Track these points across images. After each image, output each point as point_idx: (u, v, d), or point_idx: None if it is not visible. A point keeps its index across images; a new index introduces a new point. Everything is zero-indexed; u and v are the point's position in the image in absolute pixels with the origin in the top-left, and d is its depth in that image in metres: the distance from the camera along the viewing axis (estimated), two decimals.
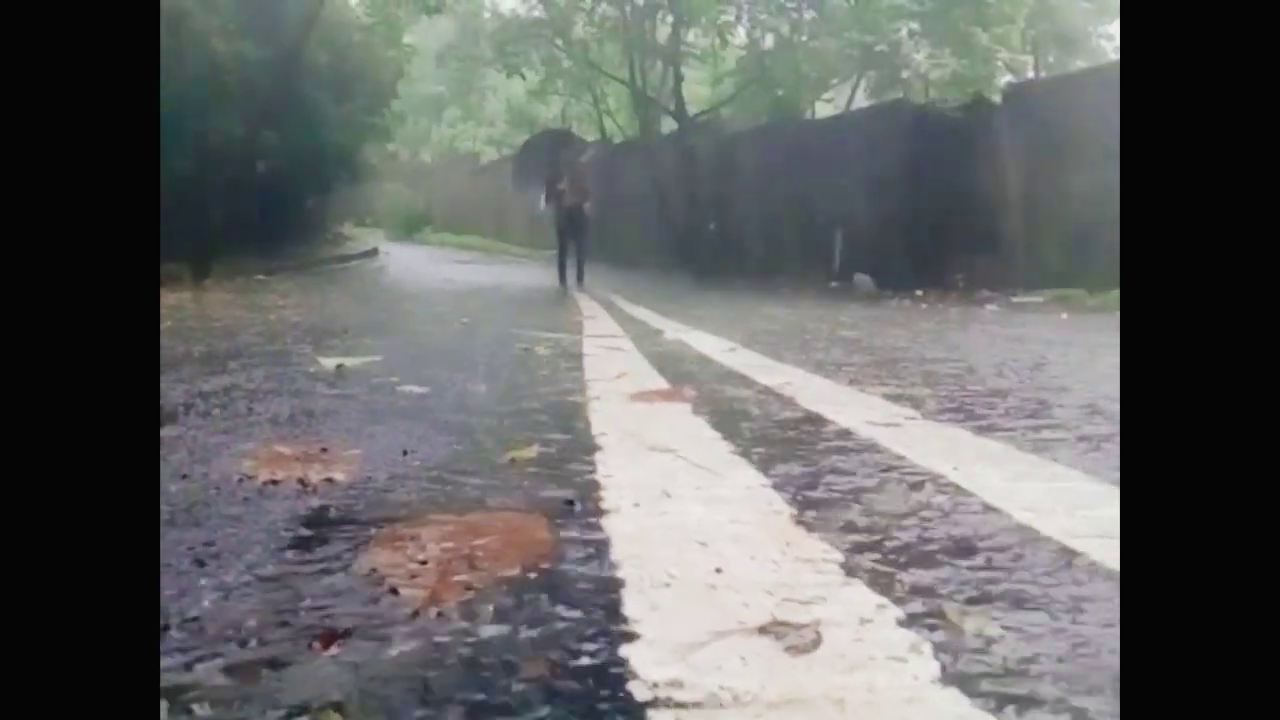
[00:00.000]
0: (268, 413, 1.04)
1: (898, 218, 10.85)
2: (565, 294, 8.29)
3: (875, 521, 0.64)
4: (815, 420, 1.12)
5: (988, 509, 0.68)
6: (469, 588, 0.49)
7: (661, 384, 1.51)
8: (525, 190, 9.05)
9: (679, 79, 12.57)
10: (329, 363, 1.66)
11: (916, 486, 0.74)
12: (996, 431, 1.07)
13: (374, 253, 15.31)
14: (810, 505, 0.67)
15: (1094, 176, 8.87)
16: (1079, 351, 2.31)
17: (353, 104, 12.42)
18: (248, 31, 10.02)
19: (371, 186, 18.02)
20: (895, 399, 1.39)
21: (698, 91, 15.39)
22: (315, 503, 0.66)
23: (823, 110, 12.69)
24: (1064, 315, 6.77)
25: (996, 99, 8.45)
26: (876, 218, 11.20)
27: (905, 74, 9.08)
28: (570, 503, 0.64)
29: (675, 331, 3.13)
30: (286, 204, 12.68)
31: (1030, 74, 11.61)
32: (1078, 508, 0.68)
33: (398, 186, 21.25)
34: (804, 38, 8.21)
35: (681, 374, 1.67)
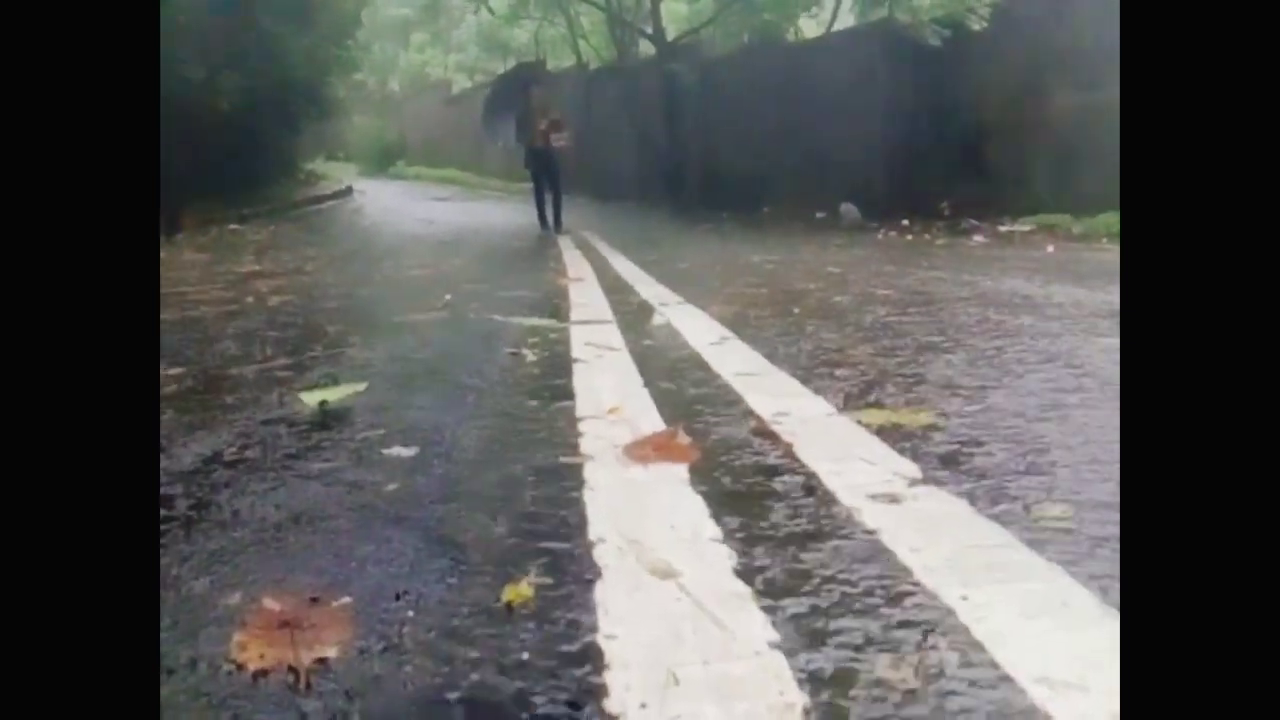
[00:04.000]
0: (254, 518, 1.01)
1: (883, 143, 10.67)
2: (547, 238, 8.18)
3: (889, 710, 0.62)
4: (813, 491, 1.10)
5: (1001, 680, 0.66)
6: None
7: (655, 419, 1.47)
8: (495, 133, 8.75)
9: (656, 1, 12.08)
10: (311, 400, 1.62)
11: (926, 635, 0.72)
12: (1000, 503, 1.06)
13: (348, 191, 14.94)
14: (821, 686, 0.65)
15: (1078, 98, 8.70)
16: (1076, 331, 2.25)
17: (315, 35, 11.91)
18: None
19: (341, 120, 17.43)
20: (893, 435, 1.36)
21: (676, 10, 14.83)
22: (309, 707, 0.63)
23: (807, 26, 12.25)
24: (1050, 248, 6.76)
25: (978, 27, 8.20)
26: (861, 143, 11.02)
27: None
28: (575, 705, 0.61)
29: (662, 307, 3.08)
30: (254, 145, 12.32)
31: None
32: (1089, 670, 0.67)
33: (368, 119, 20.58)
34: None
35: (675, 400, 1.63)
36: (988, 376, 1.82)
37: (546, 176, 8.24)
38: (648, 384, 1.77)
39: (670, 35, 12.64)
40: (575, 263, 5.26)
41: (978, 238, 7.90)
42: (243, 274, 4.83)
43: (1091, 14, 7.87)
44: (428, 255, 6.09)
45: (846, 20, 13.29)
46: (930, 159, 9.56)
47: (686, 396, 1.66)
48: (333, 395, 1.65)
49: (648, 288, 3.79)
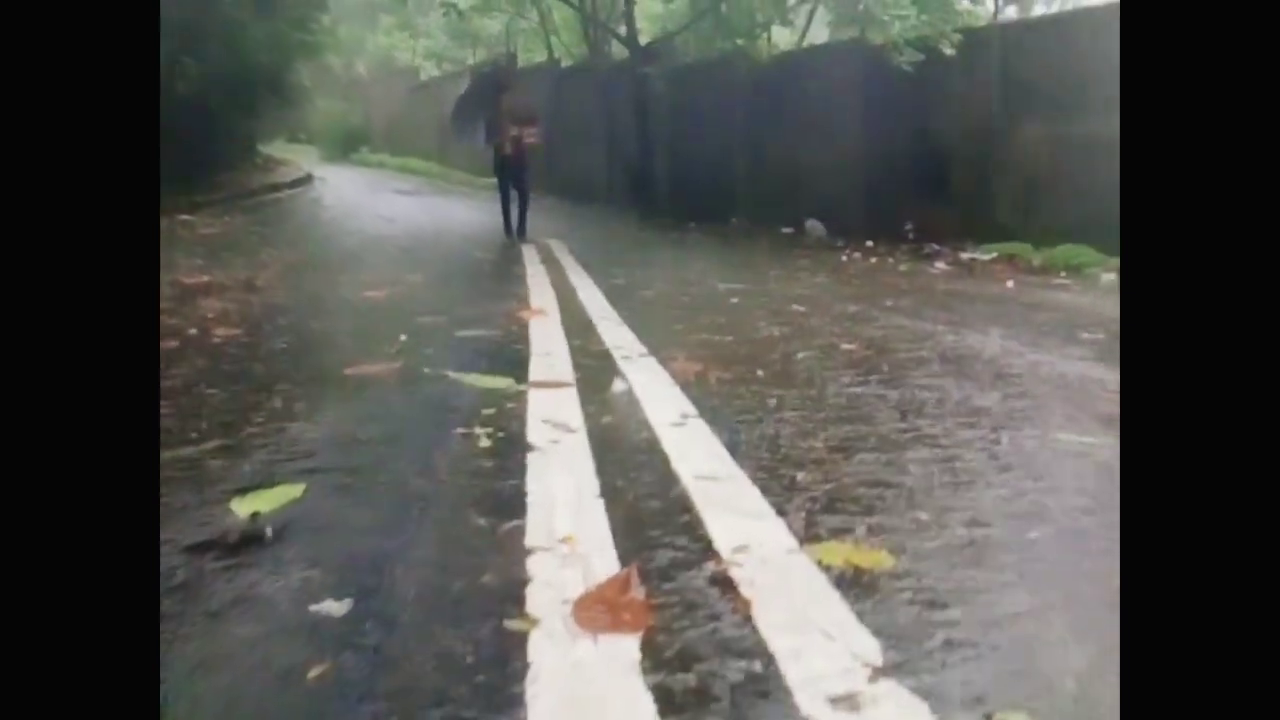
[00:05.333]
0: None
1: (851, 161, 10.72)
2: (511, 247, 8.09)
3: None
4: (769, 690, 1.05)
5: None
6: None
7: (610, 554, 1.41)
8: (464, 134, 8.59)
9: (630, 1, 11.93)
10: (244, 510, 1.52)
11: None
12: (961, 710, 1.02)
13: (308, 179, 14.55)
14: None
15: (1044, 130, 8.84)
16: (1036, 417, 2.20)
17: (279, 19, 11.54)
18: None
19: (304, 103, 16.93)
20: (853, 587, 1.32)
21: (650, 8, 14.70)
22: None
23: (780, 35, 12.19)
24: (1009, 283, 6.85)
25: (950, 52, 8.28)
26: (830, 160, 11.05)
27: (862, 5, 8.74)
28: None
29: (624, 361, 3.02)
30: (211, 130, 11.92)
31: (990, 3, 11.36)
32: None
33: (332, 102, 20.03)
34: None
35: (631, 519, 1.57)
36: (947, 490, 1.79)
37: (514, 183, 8.12)
38: (604, 492, 1.70)
39: (644, 36, 12.51)
40: (539, 286, 5.16)
41: (940, 264, 7.98)
42: (189, 287, 4.64)
43: (1059, 49, 7.98)
44: (386, 267, 5.92)
45: (819, 33, 13.31)
46: (896, 180, 9.64)
47: (643, 515, 1.60)
48: (267, 504, 1.55)
49: (611, 329, 3.71)
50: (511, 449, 1.96)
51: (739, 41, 8.91)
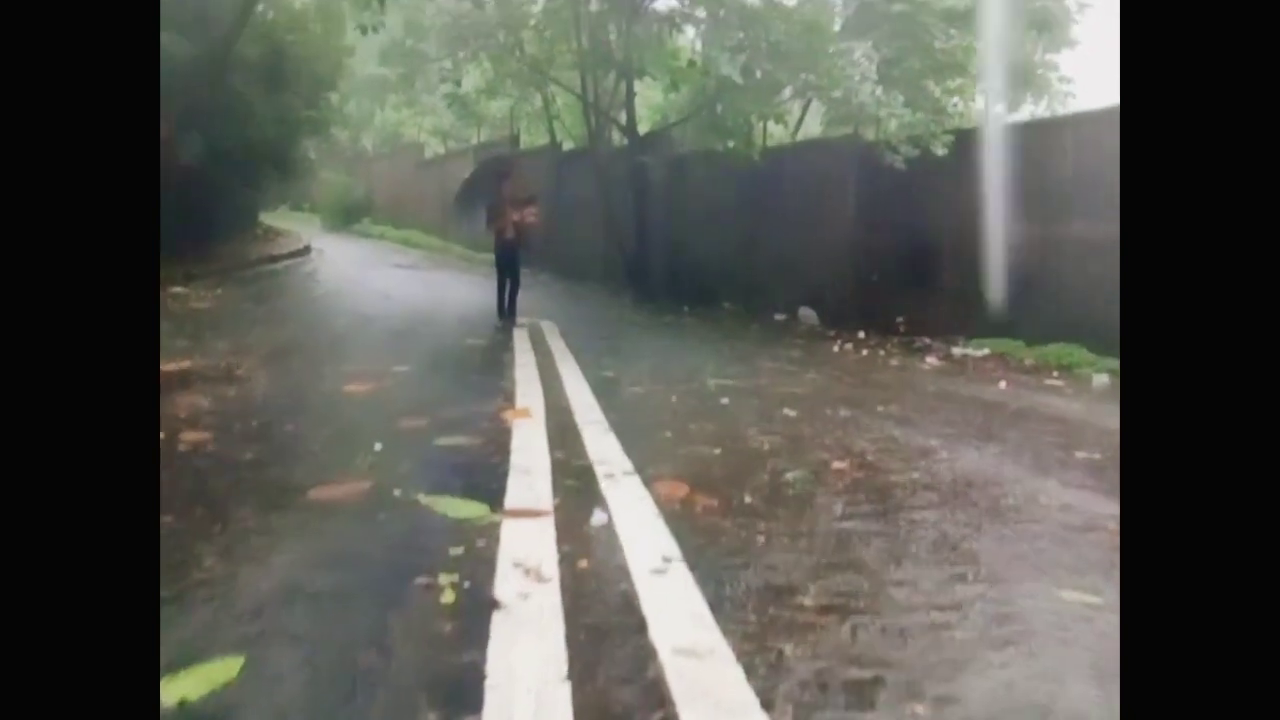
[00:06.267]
0: None
1: (844, 252, 10.82)
2: (503, 331, 8.10)
3: None
4: None
5: None
6: None
7: None
8: (464, 219, 8.71)
9: (631, 94, 12.24)
10: (170, 697, 1.38)
11: None
12: None
13: (306, 251, 14.61)
14: None
15: (1033, 229, 8.95)
16: (1034, 569, 2.06)
17: (287, 96, 11.75)
18: (175, 25, 9.36)
19: (308, 175, 17.24)
20: None
21: (650, 97, 15.10)
22: None
23: (774, 128, 12.43)
24: (1003, 384, 6.78)
25: (941, 152, 8.43)
26: (823, 250, 11.15)
27: (856, 101, 8.93)
28: None
29: (607, 480, 2.90)
30: (213, 200, 12.02)
31: (979, 102, 11.66)
32: None
33: (337, 174, 20.34)
34: (758, 75, 7.99)
35: (597, 718, 1.42)
36: (945, 670, 1.65)
37: (509, 268, 8.21)
38: (572, 671, 1.56)
39: (643, 124, 12.79)
40: (526, 380, 5.06)
41: (931, 359, 7.95)
42: (167, 376, 4.52)
43: (1046, 153, 8.14)
44: (374, 355, 5.84)
45: (813, 123, 13.64)
46: (888, 272, 9.70)
47: (613, 708, 1.45)
48: (197, 687, 1.41)
49: (596, 437, 3.60)
50: (476, 606, 1.82)
51: (730, 144, 9.08)
